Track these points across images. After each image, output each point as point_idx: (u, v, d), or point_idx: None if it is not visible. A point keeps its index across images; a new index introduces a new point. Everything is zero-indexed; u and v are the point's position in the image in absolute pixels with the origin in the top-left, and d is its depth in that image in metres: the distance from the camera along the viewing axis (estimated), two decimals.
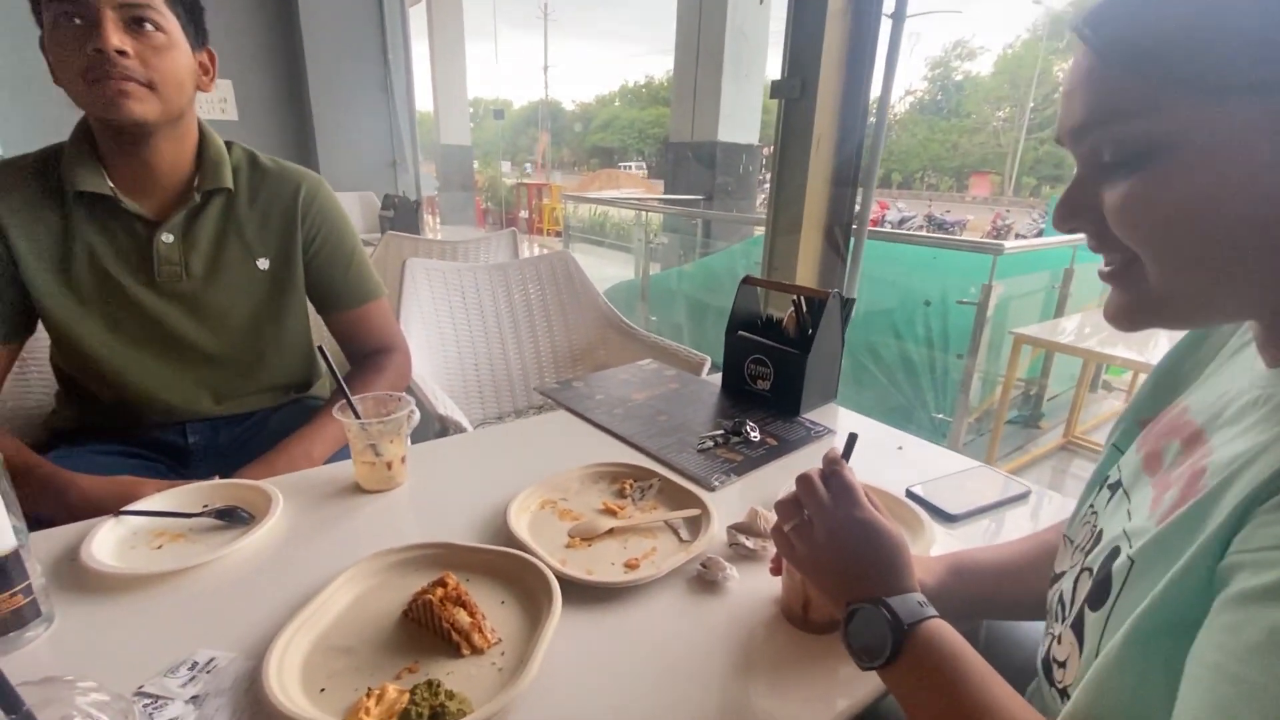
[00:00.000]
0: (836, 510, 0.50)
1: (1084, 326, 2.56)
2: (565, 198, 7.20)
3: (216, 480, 0.77)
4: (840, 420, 1.06)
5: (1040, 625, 0.52)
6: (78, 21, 0.75)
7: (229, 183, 0.91)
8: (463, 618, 0.54)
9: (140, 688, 0.48)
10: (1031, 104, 30.40)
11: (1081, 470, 2.76)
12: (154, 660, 0.51)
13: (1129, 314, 0.39)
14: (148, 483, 0.77)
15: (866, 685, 0.52)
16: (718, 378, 1.20)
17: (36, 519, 0.67)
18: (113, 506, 0.69)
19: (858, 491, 0.51)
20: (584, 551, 0.68)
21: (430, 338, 1.42)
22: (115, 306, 0.87)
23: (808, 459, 0.93)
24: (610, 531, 0.71)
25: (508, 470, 0.85)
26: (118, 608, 0.58)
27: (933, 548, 0.69)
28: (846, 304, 1.10)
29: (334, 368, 0.79)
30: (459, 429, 1.08)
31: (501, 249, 2.07)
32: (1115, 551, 0.40)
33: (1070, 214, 0.40)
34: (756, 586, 0.64)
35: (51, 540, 0.66)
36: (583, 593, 0.61)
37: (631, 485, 0.80)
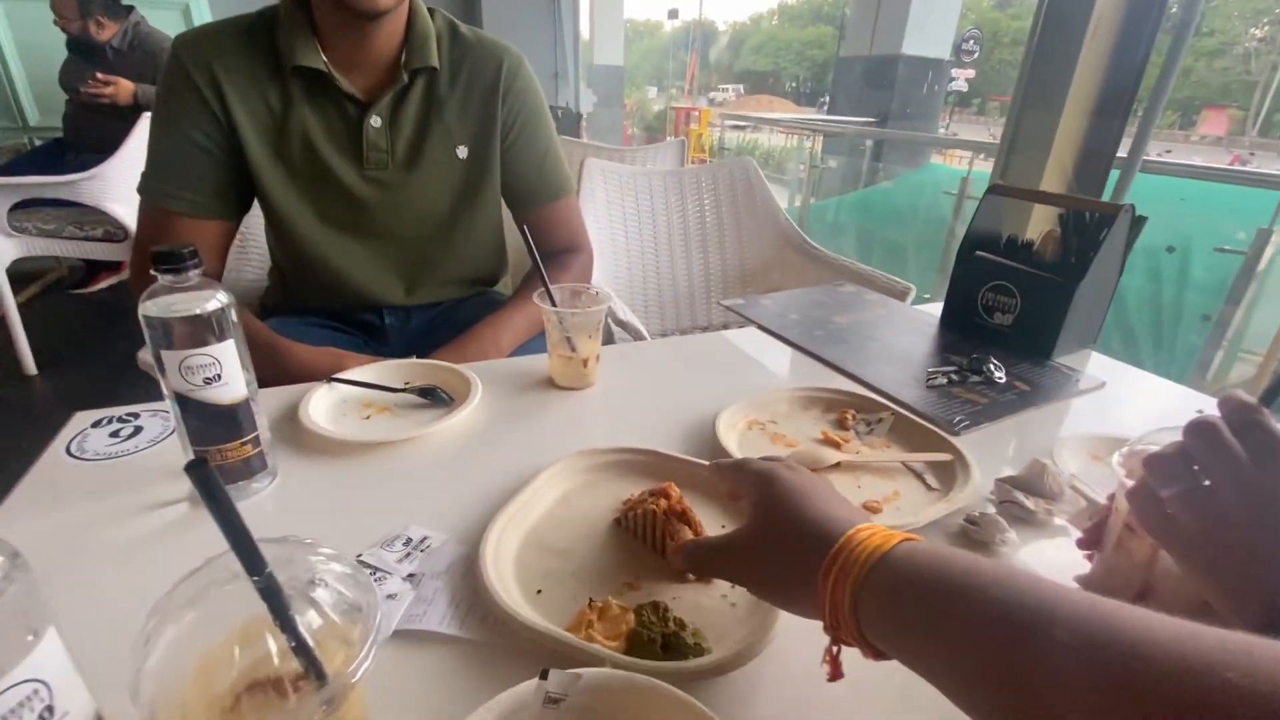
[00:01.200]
0: (1264, 474, 0.35)
1: None
2: (722, 116, 6.81)
3: (415, 359, 0.75)
4: (1103, 371, 0.85)
5: None
6: None
7: (435, 60, 0.85)
8: (688, 537, 0.46)
9: (359, 556, 0.46)
10: None
11: None
12: (369, 530, 0.49)
13: None
14: (353, 355, 0.78)
15: None
16: (929, 309, 1.02)
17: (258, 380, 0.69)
18: (325, 373, 0.69)
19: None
20: None
21: (604, 244, 1.35)
22: (324, 190, 0.85)
23: (1077, 414, 0.74)
24: (837, 465, 0.60)
25: (701, 383, 0.76)
26: (333, 471, 0.57)
27: None
28: (1137, 222, 0.85)
29: (535, 252, 0.73)
30: (640, 336, 1.00)
31: (669, 158, 1.94)
32: None
33: None
34: (1039, 558, 0.50)
35: (272, 399, 0.67)
36: None
37: (854, 417, 0.68)
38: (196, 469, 0.25)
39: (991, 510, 0.51)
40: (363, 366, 0.72)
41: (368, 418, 0.66)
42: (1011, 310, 0.89)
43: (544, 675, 0.34)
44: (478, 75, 0.88)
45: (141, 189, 0.81)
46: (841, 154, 4.54)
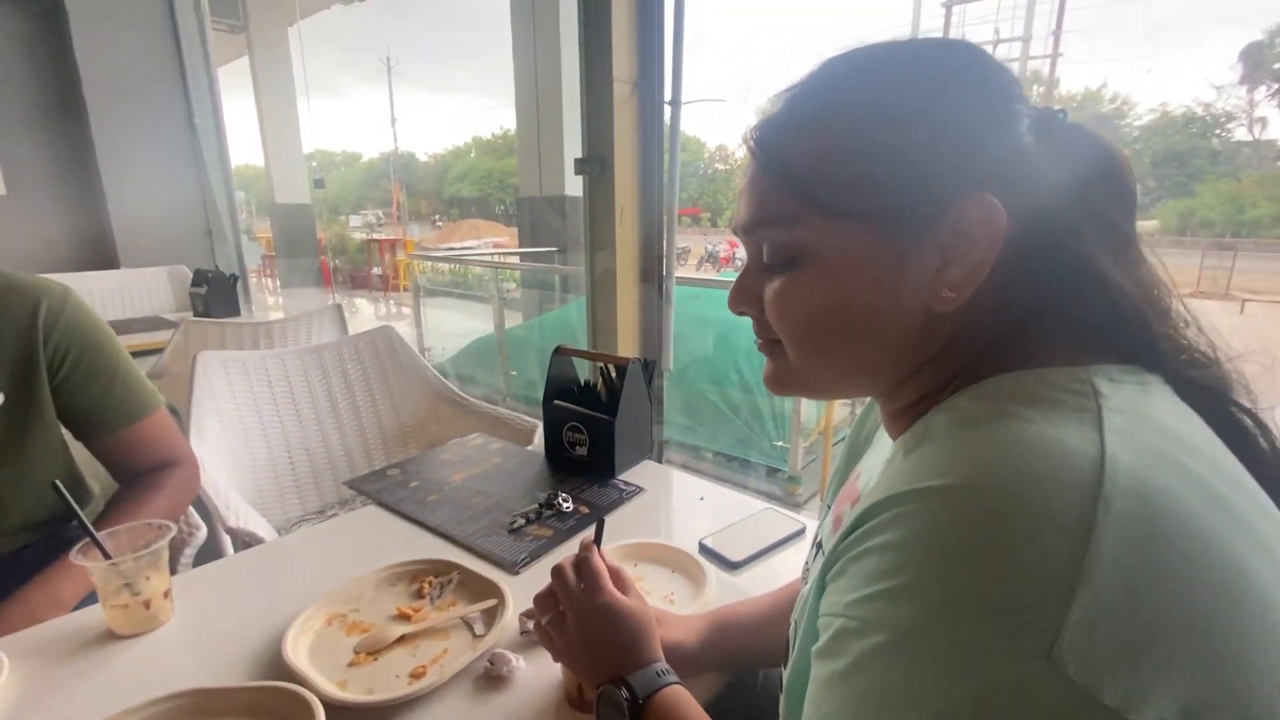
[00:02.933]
0: (583, 599, 0.54)
1: None
2: (413, 255, 6.99)
3: None
4: (651, 476, 1.13)
5: None
6: None
7: None
8: None
9: None
10: None
11: None
12: None
13: (777, 383, 0.46)
14: None
15: None
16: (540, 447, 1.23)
17: None
18: None
19: (602, 576, 0.55)
20: (369, 668, 0.66)
21: (231, 437, 1.31)
22: None
23: (620, 522, 0.97)
24: (401, 639, 0.70)
25: (303, 585, 0.81)
26: None
27: (712, 601, 0.75)
28: (648, 366, 1.18)
29: (73, 503, 0.71)
30: (256, 540, 1.00)
31: (326, 326, 1.97)
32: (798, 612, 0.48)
33: (739, 299, 0.45)
34: (545, 673, 0.65)
35: None
36: (363, 716, 0.59)
37: (431, 583, 0.79)
38: None
39: (507, 650, 0.66)
40: None
41: None
42: (584, 444, 1.14)
43: None
44: (9, 320, 0.84)
45: None
46: (534, 283, 5.04)
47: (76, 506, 0.72)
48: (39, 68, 3.09)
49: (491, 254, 5.83)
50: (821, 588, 0.36)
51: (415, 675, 0.64)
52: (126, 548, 0.72)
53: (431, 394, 1.60)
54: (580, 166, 1.51)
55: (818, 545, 0.54)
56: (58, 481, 0.72)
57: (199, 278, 2.73)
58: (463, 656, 0.65)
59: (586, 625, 0.53)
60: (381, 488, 1.07)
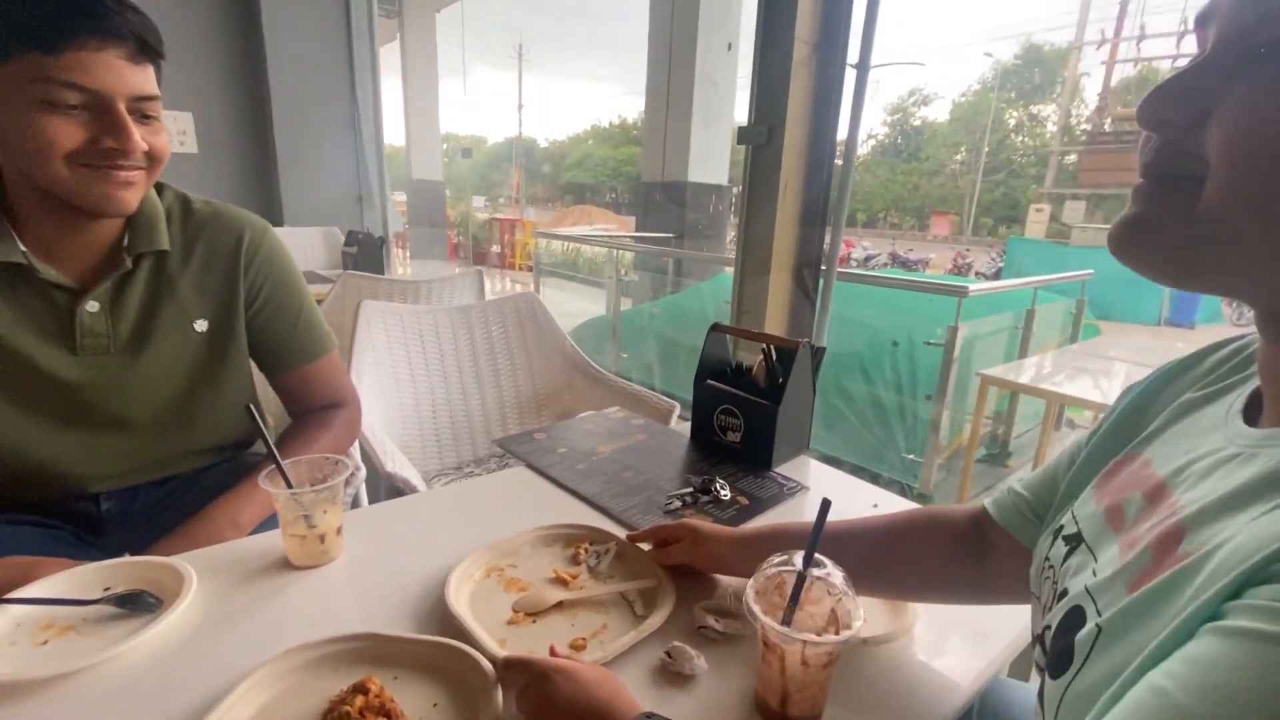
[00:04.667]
0: (534, 684, 0.49)
1: (1046, 367, 2.60)
2: (537, 234, 7.19)
3: (123, 559, 0.68)
4: (812, 474, 1.02)
5: None
6: (79, 110, 0.68)
7: (165, 244, 0.82)
8: None
9: None
10: (986, 149, 31.88)
11: None
12: None
13: (1151, 233, 0.35)
14: (43, 562, 0.68)
15: None
16: (687, 426, 1.15)
17: None
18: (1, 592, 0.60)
19: (535, 660, 0.50)
20: (528, 629, 0.62)
21: (385, 385, 1.35)
22: (20, 379, 0.76)
23: (783, 518, 0.88)
24: (560, 605, 0.65)
25: (457, 535, 0.78)
26: None
27: (912, 624, 0.65)
28: (817, 353, 1.06)
29: (265, 432, 0.72)
30: (410, 488, 1.00)
31: (466, 289, 2.01)
32: (1079, 615, 0.37)
33: (1173, 98, 0.34)
34: (730, 676, 0.58)
35: None
36: None
37: (587, 549, 0.74)
38: None
39: (680, 642, 0.59)
40: (48, 576, 0.64)
41: (44, 643, 0.58)
42: (739, 429, 1.05)
43: None
44: (216, 249, 0.87)
45: None
46: (649, 267, 5.01)
47: (266, 432, 0.72)
48: (232, 40, 3.42)
49: (612, 236, 5.86)
50: (1164, 602, 0.31)
51: (575, 646, 0.59)
52: (305, 479, 0.72)
53: (567, 364, 1.58)
54: (744, 135, 1.41)
55: (1064, 538, 0.45)
56: (251, 405, 0.73)
57: (350, 238, 2.92)
58: (624, 637, 0.59)
59: (561, 693, 0.47)
60: (531, 450, 1.04)
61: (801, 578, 0.52)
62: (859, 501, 0.94)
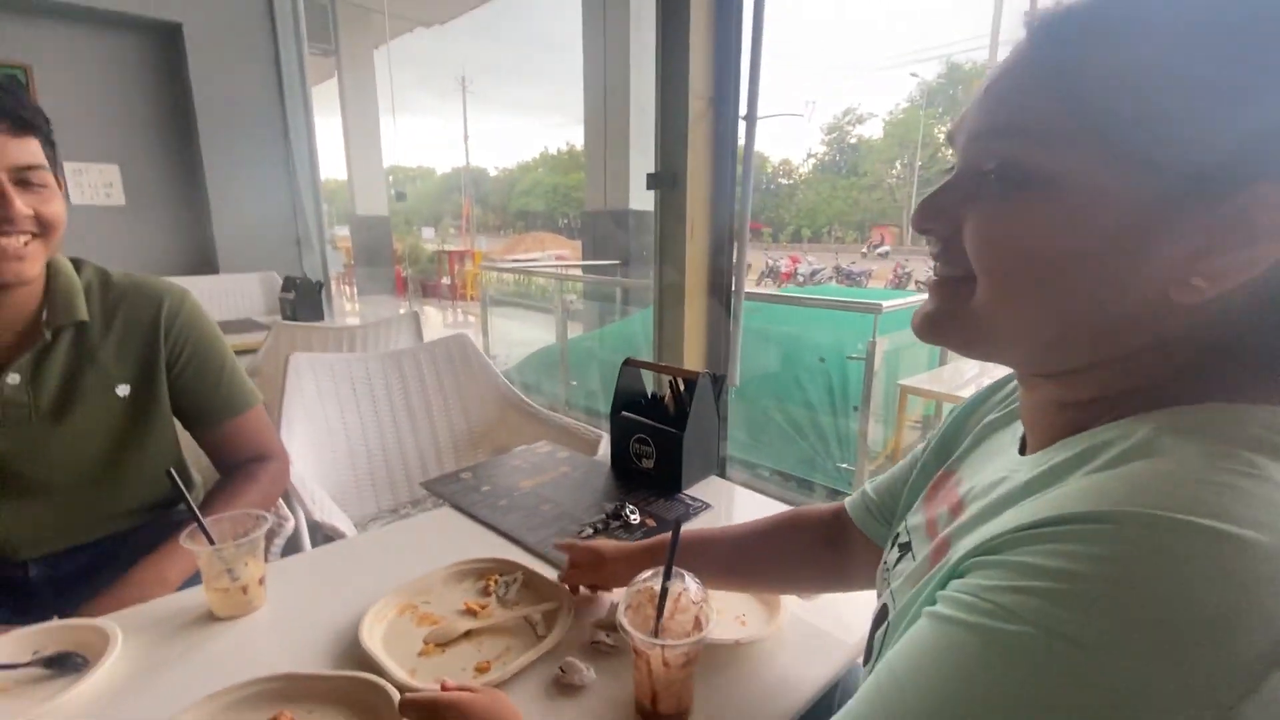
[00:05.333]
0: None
1: (963, 375, 2.79)
2: (483, 266, 7.24)
3: (51, 623, 0.72)
4: (721, 492, 1.11)
5: None
6: None
7: (84, 315, 0.86)
8: None
9: None
10: (919, 163, 33.53)
11: None
12: None
13: (937, 327, 0.41)
14: None
15: None
16: (605, 458, 1.23)
17: None
18: None
19: (427, 698, 0.53)
20: (437, 659, 0.68)
21: (318, 434, 1.39)
22: None
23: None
24: (468, 634, 0.71)
25: (381, 578, 0.84)
26: None
27: (785, 625, 0.74)
28: (718, 381, 1.17)
29: (185, 493, 0.76)
30: (338, 534, 1.05)
31: (404, 333, 2.06)
32: (884, 613, 0.46)
33: (932, 215, 0.39)
34: (617, 685, 0.65)
35: None
36: None
37: (496, 581, 0.81)
38: None
39: (573, 657, 0.66)
40: None
41: None
42: (651, 456, 1.14)
43: None
44: (135, 318, 0.92)
45: None
46: (596, 295, 5.11)
47: (186, 493, 0.77)
48: (160, 90, 3.40)
49: (557, 266, 5.95)
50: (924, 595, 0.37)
51: (480, 669, 0.66)
52: (228, 535, 0.77)
53: (501, 401, 1.64)
54: (653, 181, 1.52)
55: (899, 545, 0.52)
56: (172, 470, 0.78)
57: (288, 284, 2.91)
58: (525, 655, 0.66)
59: None
60: (455, 490, 1.10)
61: (664, 591, 0.60)
62: (754, 512, 1.04)
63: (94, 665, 0.65)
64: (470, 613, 0.75)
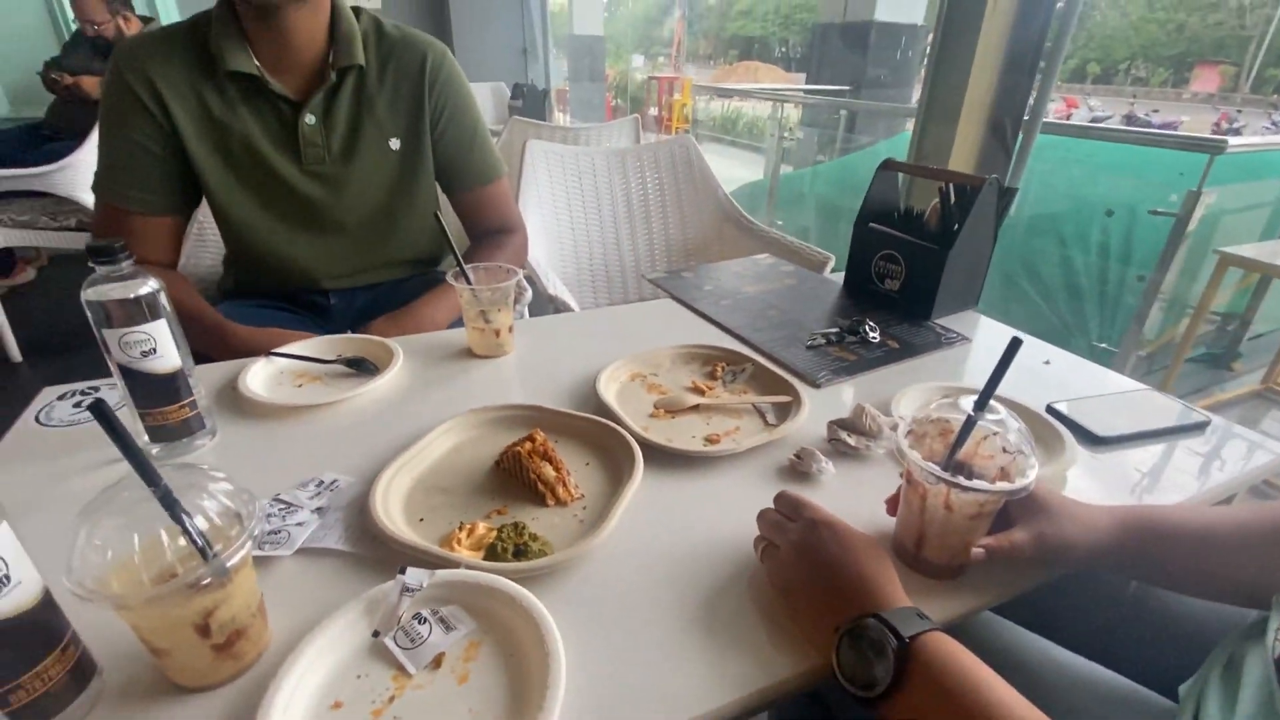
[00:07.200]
0: (824, 517, 0.46)
1: None
2: (695, 89, 6.79)
3: (349, 334, 0.84)
4: (979, 330, 0.95)
5: None
6: None
7: (361, 59, 0.91)
8: (548, 471, 0.56)
9: (278, 495, 0.55)
10: None
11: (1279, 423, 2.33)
12: (291, 475, 0.58)
13: None
14: (293, 333, 0.86)
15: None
16: (841, 277, 1.10)
17: (206, 357, 0.78)
18: (265, 350, 0.78)
19: (809, 503, 0.47)
20: (666, 423, 0.68)
21: (546, 222, 1.43)
22: (268, 186, 0.92)
23: (936, 366, 0.84)
24: (695, 407, 0.70)
25: (607, 347, 0.85)
26: (266, 431, 0.66)
27: (1071, 469, 0.61)
28: (1005, 194, 0.94)
29: (449, 234, 0.81)
30: (567, 309, 1.09)
31: (624, 136, 2.01)
32: None
33: None
34: (855, 486, 0.60)
35: (216, 372, 0.76)
36: (663, 460, 0.61)
37: (723, 368, 0.78)
38: (95, 407, 0.34)
39: (813, 449, 0.61)
40: (299, 342, 0.81)
41: (300, 386, 0.75)
42: (898, 276, 0.99)
43: (402, 570, 0.44)
44: (404, 70, 0.95)
45: (95, 188, 0.88)
46: (818, 124, 4.56)
47: (450, 236, 0.81)
48: None
49: (776, 89, 5.37)
50: None
51: (710, 440, 0.64)
52: (484, 282, 0.81)
53: (719, 211, 1.55)
54: None
55: None
56: (437, 213, 0.82)
57: (516, 91, 2.98)
58: (757, 436, 0.63)
59: (826, 549, 0.44)
60: (677, 285, 1.07)
61: (970, 422, 0.47)
62: (1027, 357, 0.87)
63: (383, 371, 0.75)
64: (697, 391, 0.73)
